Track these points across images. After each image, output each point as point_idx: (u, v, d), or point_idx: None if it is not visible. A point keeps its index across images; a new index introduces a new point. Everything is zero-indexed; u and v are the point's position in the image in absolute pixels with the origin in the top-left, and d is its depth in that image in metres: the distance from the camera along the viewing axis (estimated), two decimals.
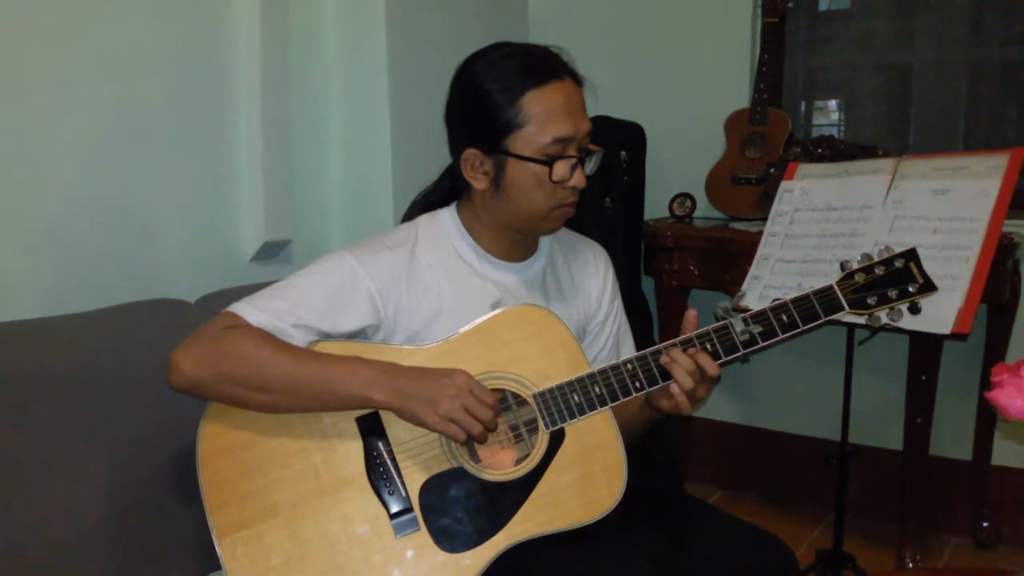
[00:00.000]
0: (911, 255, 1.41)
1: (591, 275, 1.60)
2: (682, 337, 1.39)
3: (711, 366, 1.36)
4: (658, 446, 1.53)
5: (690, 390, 1.36)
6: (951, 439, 2.64)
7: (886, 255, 1.41)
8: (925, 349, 2.35)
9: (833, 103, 3.09)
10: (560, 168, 1.40)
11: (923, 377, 2.36)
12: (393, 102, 2.36)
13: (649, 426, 1.51)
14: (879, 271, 1.40)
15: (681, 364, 1.36)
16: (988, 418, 2.55)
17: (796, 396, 2.95)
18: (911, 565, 2.39)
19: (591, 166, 1.44)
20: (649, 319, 2.87)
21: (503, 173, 1.42)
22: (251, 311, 1.37)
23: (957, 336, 1.77)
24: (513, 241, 1.51)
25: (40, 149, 1.77)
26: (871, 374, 2.64)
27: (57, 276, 1.81)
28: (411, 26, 2.42)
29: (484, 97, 1.40)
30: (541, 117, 1.38)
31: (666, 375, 1.38)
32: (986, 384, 2.27)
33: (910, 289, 1.40)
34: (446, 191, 1.56)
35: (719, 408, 3.10)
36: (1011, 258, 2.34)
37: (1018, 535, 2.60)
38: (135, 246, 1.96)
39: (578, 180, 1.42)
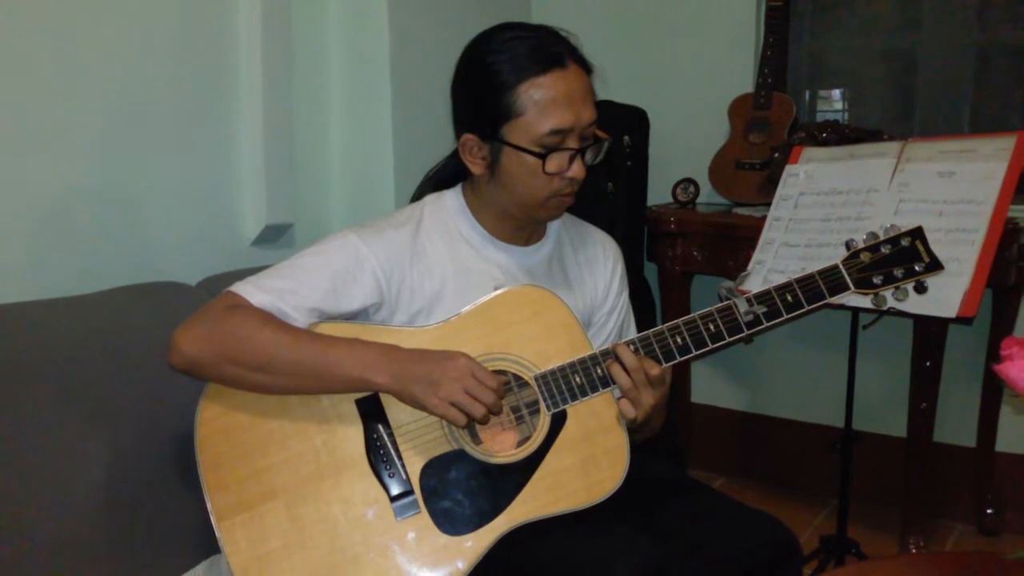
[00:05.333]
0: (917, 233, 1.40)
1: (599, 266, 1.59)
2: (685, 318, 1.38)
3: (652, 367, 1.34)
4: (661, 432, 1.51)
5: (627, 388, 1.34)
6: (955, 425, 2.62)
7: (892, 233, 1.39)
8: (929, 335, 2.34)
9: (837, 92, 3.06)
10: (555, 161, 1.37)
11: (927, 363, 2.34)
12: (394, 84, 2.35)
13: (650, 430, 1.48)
14: (885, 250, 1.39)
15: (624, 361, 1.34)
16: (993, 404, 2.54)
17: (800, 383, 2.93)
18: (914, 551, 2.38)
19: (592, 156, 1.41)
20: (652, 305, 2.86)
21: (499, 161, 1.40)
22: (253, 291, 1.36)
23: (963, 320, 1.75)
24: (517, 225, 1.49)
25: (41, 133, 1.76)
26: (875, 360, 2.62)
27: (57, 259, 1.80)
28: (413, 6, 2.40)
29: (484, 82, 1.38)
30: (539, 106, 1.35)
31: (670, 356, 1.37)
32: (992, 369, 2.26)
33: (916, 268, 1.38)
34: (456, 169, 1.53)
35: (722, 395, 3.08)
36: (1016, 242, 2.32)
37: (1022, 522, 2.59)
38: (137, 229, 1.95)
39: (576, 171, 1.39)
